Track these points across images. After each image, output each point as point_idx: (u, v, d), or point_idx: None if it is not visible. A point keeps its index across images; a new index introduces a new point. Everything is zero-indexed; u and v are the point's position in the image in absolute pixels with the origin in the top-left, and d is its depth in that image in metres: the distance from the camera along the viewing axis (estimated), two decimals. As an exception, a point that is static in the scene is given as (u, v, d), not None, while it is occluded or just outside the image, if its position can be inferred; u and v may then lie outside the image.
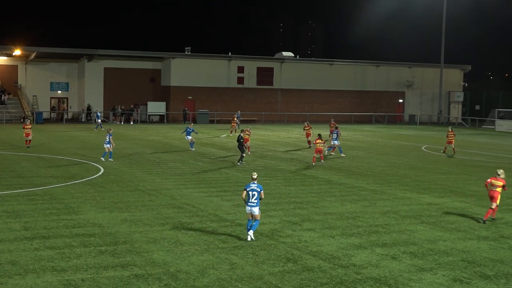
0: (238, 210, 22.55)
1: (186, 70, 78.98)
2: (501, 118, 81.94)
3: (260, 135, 57.22)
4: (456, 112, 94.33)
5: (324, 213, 22.60)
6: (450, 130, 44.98)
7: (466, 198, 26.71)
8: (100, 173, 31.22)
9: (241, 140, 35.96)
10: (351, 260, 16.60)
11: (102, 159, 35.60)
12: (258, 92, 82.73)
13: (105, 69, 77.34)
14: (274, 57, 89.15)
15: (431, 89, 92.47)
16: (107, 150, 35.85)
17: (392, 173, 34.08)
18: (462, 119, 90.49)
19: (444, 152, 44.95)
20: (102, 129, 59.26)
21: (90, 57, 76.11)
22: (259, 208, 18.30)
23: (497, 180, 22.18)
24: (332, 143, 41.96)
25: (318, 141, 36.19)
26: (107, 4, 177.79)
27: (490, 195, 22.18)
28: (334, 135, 41.93)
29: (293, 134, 59.70)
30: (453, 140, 44.24)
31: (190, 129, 43.29)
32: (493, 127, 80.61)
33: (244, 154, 35.98)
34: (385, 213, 22.91)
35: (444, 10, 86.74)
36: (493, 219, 22.15)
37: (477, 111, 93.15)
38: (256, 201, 18.15)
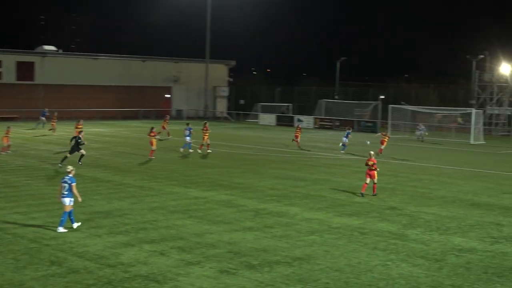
0: (-3, 214, 21.43)
1: None
2: (282, 113, 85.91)
3: (21, 133, 54.74)
4: (222, 106, 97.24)
5: (91, 212, 22.17)
6: (297, 127, 49.45)
7: (231, 190, 27.64)
8: None
9: (79, 140, 34.09)
10: (119, 258, 16.46)
11: None
12: (18, 88, 78.99)
13: None
14: (35, 51, 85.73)
15: (197, 84, 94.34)
16: None
17: (160, 168, 34.31)
18: (228, 113, 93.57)
19: (298, 145, 47.81)
20: None
21: None
22: (70, 200, 19.11)
23: (370, 160, 26.98)
24: (186, 140, 42.09)
25: (151, 134, 38.62)
26: None
27: (368, 173, 26.96)
28: (187, 132, 41.97)
29: (58, 131, 57.79)
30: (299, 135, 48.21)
31: None
32: (257, 120, 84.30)
33: (84, 153, 34.22)
34: (153, 209, 23.02)
35: (208, 5, 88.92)
36: (369, 194, 26.86)
37: (242, 106, 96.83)
38: (66, 192, 19.15)
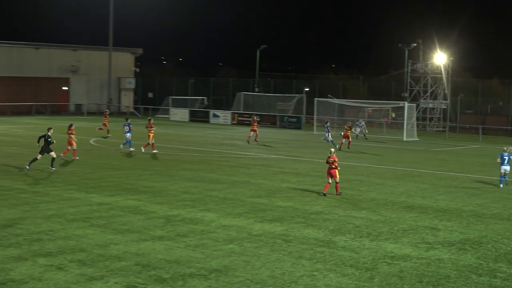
0: None
1: None
2: (205, 108, 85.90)
3: None
4: (127, 100, 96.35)
5: (-24, 222, 21.65)
6: (253, 121, 52.65)
7: (139, 195, 27.44)
8: None
9: (49, 139, 33.18)
10: (9, 275, 16.10)
11: None
12: None
13: None
14: None
15: (99, 75, 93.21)
16: None
17: (57, 171, 33.75)
18: (135, 108, 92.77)
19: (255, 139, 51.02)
20: None
21: None
22: None
23: (330, 157, 28.19)
24: (125, 136, 44.28)
25: (70, 132, 38.18)
26: None
27: (328, 171, 28.32)
28: (126, 128, 44.32)
29: None
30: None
31: None
32: (168, 116, 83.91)
33: (54, 156, 33.22)
34: (49, 218, 22.62)
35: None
36: (326, 193, 28.39)
37: (150, 99, 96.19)
38: None
